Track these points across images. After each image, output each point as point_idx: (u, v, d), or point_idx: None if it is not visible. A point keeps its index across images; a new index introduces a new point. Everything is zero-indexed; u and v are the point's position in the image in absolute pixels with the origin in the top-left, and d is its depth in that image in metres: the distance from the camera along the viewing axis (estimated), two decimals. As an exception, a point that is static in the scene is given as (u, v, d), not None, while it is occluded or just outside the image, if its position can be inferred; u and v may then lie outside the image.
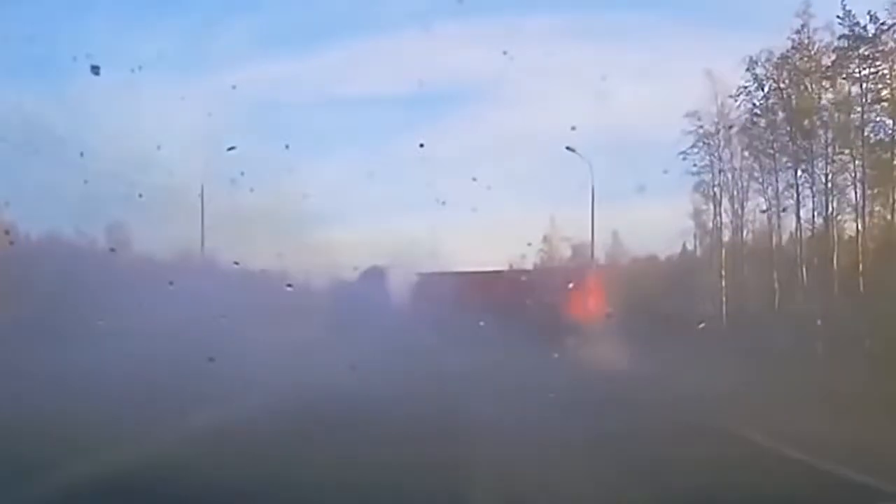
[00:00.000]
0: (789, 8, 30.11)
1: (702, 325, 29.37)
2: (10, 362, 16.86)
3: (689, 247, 40.54)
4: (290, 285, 27.28)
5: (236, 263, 28.57)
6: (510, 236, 37.48)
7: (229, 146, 31.16)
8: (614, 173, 48.22)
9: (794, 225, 34.04)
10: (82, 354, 18.32)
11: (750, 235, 37.73)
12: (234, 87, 51.75)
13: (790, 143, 32.01)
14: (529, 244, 36.82)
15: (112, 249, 34.43)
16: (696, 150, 35.37)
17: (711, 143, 35.38)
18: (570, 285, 31.07)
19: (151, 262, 35.51)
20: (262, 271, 34.12)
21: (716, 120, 34.75)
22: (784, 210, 33.88)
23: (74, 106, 27.20)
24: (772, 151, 32.36)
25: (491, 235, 36.66)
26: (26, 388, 13.55)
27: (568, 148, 31.05)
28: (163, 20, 53.94)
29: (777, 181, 32.62)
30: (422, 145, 34.00)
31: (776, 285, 34.96)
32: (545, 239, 44.80)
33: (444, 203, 29.90)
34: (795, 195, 32.83)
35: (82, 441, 9.48)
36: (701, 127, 35.02)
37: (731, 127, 33.98)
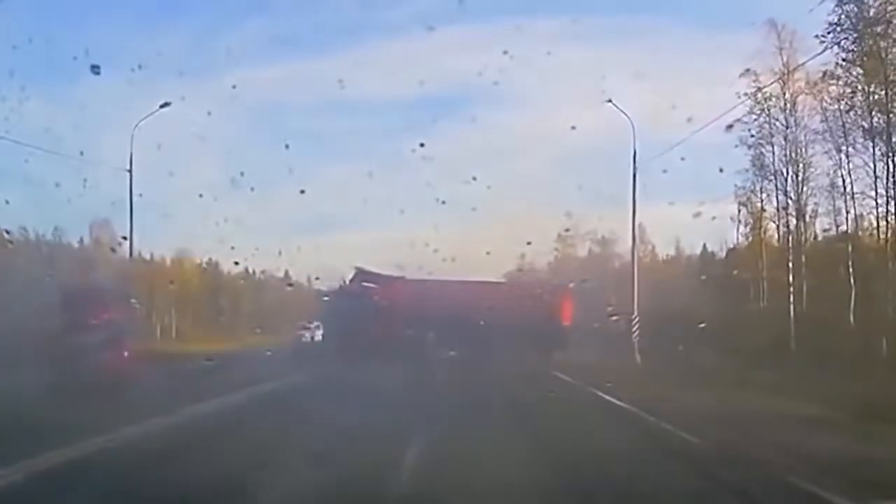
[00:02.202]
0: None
1: (702, 326, 25.36)
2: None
3: (710, 246, 36.79)
4: (290, 285, 28.92)
5: (236, 263, 25.59)
6: (511, 235, 36.37)
7: (162, 103, 26.54)
8: (614, 172, 43.57)
9: (880, 208, 25.24)
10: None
11: (814, 222, 29.07)
12: (234, 87, 52.83)
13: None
14: (529, 243, 33.54)
15: (112, 249, 35.81)
16: (753, 116, 27.27)
17: (773, 107, 27.23)
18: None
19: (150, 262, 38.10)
20: (263, 271, 35.61)
21: (781, 69, 26.13)
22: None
23: (74, 105, 25.79)
24: (868, 106, 23.44)
25: (491, 235, 35.01)
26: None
27: (608, 101, 26.06)
28: (165, 22, 53.97)
29: (874, 147, 23.64)
30: (422, 144, 33.07)
31: (852, 283, 26.10)
32: (559, 237, 42.73)
33: (444, 202, 28.78)
34: (890, 167, 23.89)
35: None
36: (759, 89, 26.80)
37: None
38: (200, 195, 50.15)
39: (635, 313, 26.54)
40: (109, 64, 25.15)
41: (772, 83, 26.39)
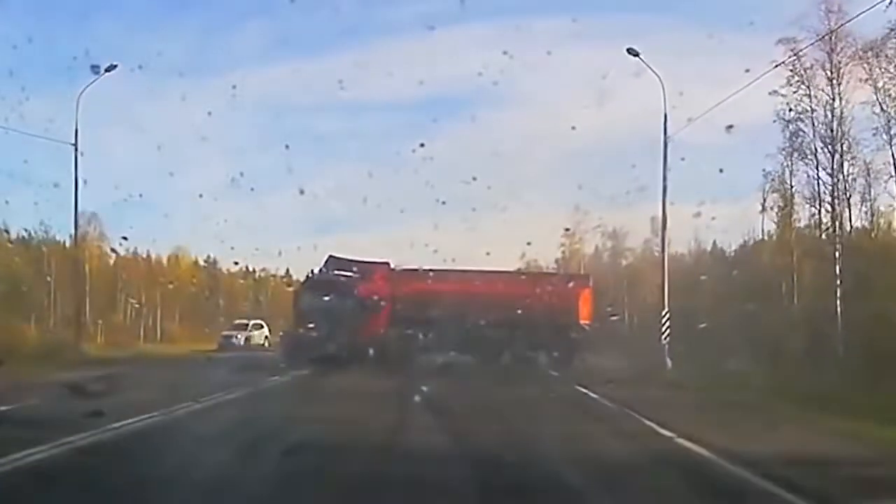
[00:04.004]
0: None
1: (702, 326, 22.62)
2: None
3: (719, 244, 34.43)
4: (290, 285, 25.48)
5: (236, 263, 22.69)
6: (511, 235, 36.53)
7: (108, 66, 22.55)
8: (614, 172, 44.66)
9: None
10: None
11: (861, 209, 24.55)
12: (234, 87, 51.46)
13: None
14: (529, 244, 33.50)
15: (112, 250, 35.23)
16: (792, 88, 22.92)
17: (815, 76, 22.80)
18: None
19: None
20: (263, 270, 34.30)
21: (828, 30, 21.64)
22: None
23: (74, 105, 24.08)
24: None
25: (491, 235, 34.92)
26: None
27: (629, 51, 21.27)
28: (166, 22, 50.35)
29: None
30: (422, 145, 31.58)
31: (905, 278, 21.63)
32: (566, 233, 38.84)
33: (444, 202, 28.36)
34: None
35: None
36: (797, 57, 22.40)
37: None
38: (200, 195, 48.66)
39: (666, 309, 21.68)
40: (109, 64, 21.91)
41: (814, 42, 21.96)
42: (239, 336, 33.24)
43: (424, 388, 12.91)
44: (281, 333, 35.57)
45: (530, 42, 49.10)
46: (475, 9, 48.80)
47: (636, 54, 20.78)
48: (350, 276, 20.41)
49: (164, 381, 14.83)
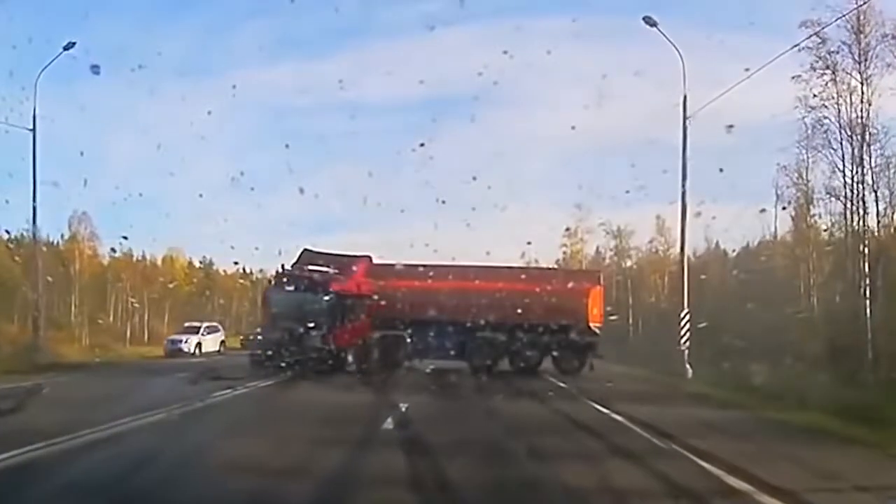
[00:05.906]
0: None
1: (702, 325, 19.85)
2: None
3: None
4: (289, 288, 19.92)
5: (235, 263, 20.67)
6: (511, 235, 36.27)
7: (66, 44, 20.69)
8: (613, 172, 42.90)
9: None
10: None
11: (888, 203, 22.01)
12: (234, 87, 50.87)
13: None
14: (529, 243, 33.61)
15: (112, 250, 35.06)
16: (816, 72, 20.54)
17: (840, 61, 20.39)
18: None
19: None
20: (262, 271, 32.42)
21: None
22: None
23: (74, 105, 23.20)
24: None
25: (491, 235, 33.98)
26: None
27: (645, 20, 18.83)
28: (165, 22, 50.19)
29: None
30: (422, 144, 30.59)
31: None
32: (568, 231, 37.10)
33: (444, 202, 26.73)
34: None
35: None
36: (822, 42, 20.00)
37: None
38: (200, 195, 47.33)
39: (686, 310, 18.88)
40: (109, 64, 21.11)
41: (840, 17, 19.45)
42: (189, 340, 29.25)
43: (403, 407, 10.17)
44: (241, 337, 32.74)
45: (530, 42, 47.75)
46: (475, 9, 49.21)
47: (654, 24, 18.14)
48: (326, 272, 17.69)
49: (96, 394, 12.17)
